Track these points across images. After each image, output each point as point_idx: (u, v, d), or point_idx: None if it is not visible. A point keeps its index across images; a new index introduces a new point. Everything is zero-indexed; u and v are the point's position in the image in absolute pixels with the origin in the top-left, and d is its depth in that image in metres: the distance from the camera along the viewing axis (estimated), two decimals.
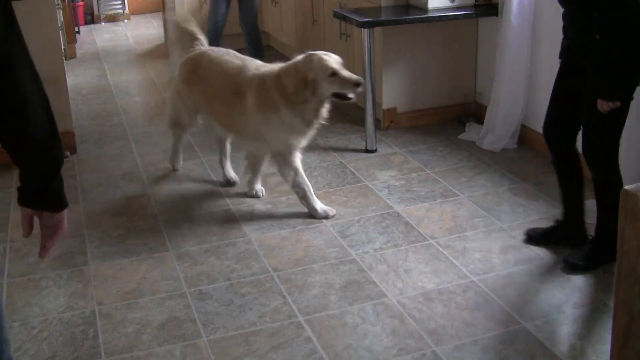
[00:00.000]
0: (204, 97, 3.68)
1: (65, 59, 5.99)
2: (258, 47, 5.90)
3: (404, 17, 4.21)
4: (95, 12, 8.84)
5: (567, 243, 3.09)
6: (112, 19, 8.86)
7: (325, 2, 5.30)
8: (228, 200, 3.71)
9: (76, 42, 7.34)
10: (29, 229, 1.56)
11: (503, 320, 2.64)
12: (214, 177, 4.00)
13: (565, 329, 2.59)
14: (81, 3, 8.45)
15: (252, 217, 3.52)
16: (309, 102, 3.27)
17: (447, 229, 3.32)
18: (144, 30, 8.32)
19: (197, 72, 3.68)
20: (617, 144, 2.86)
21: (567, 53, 2.92)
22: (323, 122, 3.43)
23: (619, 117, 2.78)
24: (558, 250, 3.10)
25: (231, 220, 3.50)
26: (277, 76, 3.35)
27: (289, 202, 3.63)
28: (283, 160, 3.44)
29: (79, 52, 7.20)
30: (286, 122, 3.34)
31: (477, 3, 4.31)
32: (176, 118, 3.94)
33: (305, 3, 5.74)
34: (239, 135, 3.67)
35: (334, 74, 3.22)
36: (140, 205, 3.70)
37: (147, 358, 2.51)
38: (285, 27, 6.39)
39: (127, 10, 8.99)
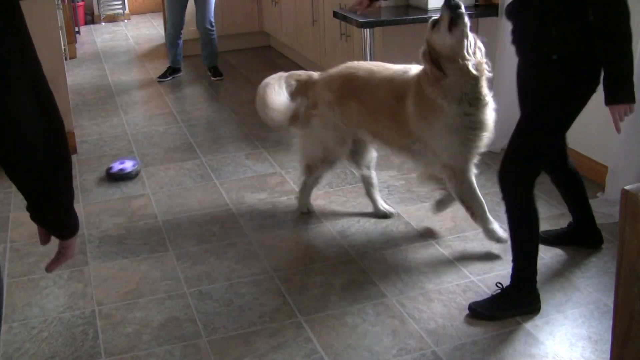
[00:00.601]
0: (365, 112, 3.19)
1: (65, 59, 5.99)
2: (211, 52, 5.98)
3: (404, 17, 4.21)
4: (96, 12, 8.84)
5: (581, 244, 3.08)
6: (112, 19, 8.87)
7: (325, 2, 5.30)
8: (228, 200, 3.71)
9: (76, 42, 7.34)
10: (44, 240, 1.51)
11: (503, 320, 2.64)
12: (214, 177, 4.00)
13: (565, 329, 2.58)
14: (81, 3, 8.45)
15: (252, 217, 3.52)
16: (448, 75, 2.82)
17: (447, 229, 3.32)
18: (144, 30, 8.32)
19: (352, 85, 3.21)
20: (536, 172, 2.63)
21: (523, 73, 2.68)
22: (487, 99, 2.94)
23: (545, 139, 2.60)
24: (558, 251, 3.10)
25: (231, 220, 3.50)
26: (423, 70, 2.97)
27: (289, 202, 3.63)
28: (453, 172, 3.02)
29: (79, 52, 7.20)
30: (449, 117, 2.89)
31: (477, 3, 4.31)
32: (321, 156, 3.34)
33: (305, 3, 5.74)
34: (405, 153, 3.21)
35: (435, 21, 2.87)
36: (140, 205, 3.70)
37: (147, 358, 2.51)
38: (285, 27, 6.38)
39: (127, 10, 8.99)
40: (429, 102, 2.92)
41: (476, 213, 3.07)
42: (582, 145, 3.82)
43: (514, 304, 2.65)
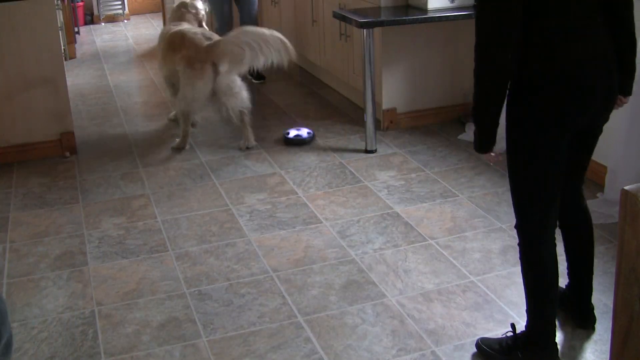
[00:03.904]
0: None
1: (65, 60, 5.99)
2: None
3: (404, 18, 4.21)
4: (95, 12, 8.84)
5: (573, 318, 2.61)
6: (112, 19, 8.87)
7: (325, 2, 5.30)
8: (228, 200, 3.71)
9: (76, 42, 7.34)
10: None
11: (503, 320, 2.64)
12: (213, 177, 4.00)
13: (565, 329, 2.58)
14: (81, 3, 8.45)
15: (252, 217, 3.52)
16: None
17: (447, 229, 3.32)
18: (143, 31, 8.32)
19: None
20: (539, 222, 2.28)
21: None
22: None
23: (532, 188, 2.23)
24: (557, 250, 3.09)
25: (231, 220, 3.50)
26: None
27: (289, 202, 3.64)
28: None
29: (78, 52, 7.20)
30: None
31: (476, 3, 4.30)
32: None
33: (305, 3, 5.74)
34: None
35: None
36: (140, 205, 3.70)
37: (147, 358, 2.51)
38: (285, 27, 6.38)
39: (126, 11, 8.99)
40: None
41: None
42: None
43: (523, 355, 2.34)
